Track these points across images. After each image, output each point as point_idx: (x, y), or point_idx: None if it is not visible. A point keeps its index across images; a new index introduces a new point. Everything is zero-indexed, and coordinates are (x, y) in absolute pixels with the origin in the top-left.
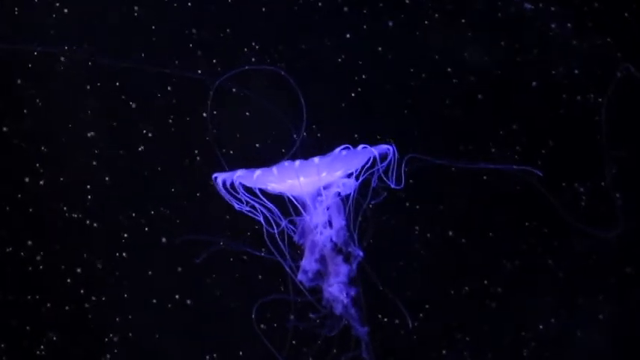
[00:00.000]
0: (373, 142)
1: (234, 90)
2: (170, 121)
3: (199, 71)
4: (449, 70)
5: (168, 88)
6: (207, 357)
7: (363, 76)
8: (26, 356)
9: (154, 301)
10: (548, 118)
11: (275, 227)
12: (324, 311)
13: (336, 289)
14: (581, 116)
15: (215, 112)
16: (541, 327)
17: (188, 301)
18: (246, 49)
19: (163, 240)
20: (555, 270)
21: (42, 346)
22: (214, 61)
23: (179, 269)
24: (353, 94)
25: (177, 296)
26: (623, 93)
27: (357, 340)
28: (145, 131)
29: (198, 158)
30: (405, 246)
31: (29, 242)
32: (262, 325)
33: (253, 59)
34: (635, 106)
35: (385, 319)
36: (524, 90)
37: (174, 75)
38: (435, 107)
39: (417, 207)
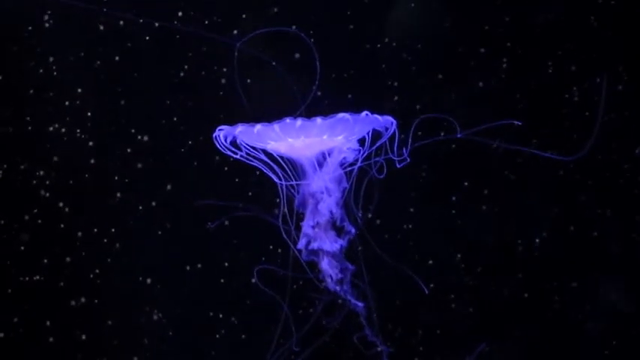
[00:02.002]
0: (383, 111)
1: (248, 53)
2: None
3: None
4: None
5: (182, 51)
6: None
7: (381, 44)
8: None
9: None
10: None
11: (280, 192)
12: (322, 287)
13: (327, 264)
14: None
15: (225, 73)
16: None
17: (194, 264)
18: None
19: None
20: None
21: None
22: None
23: (191, 232)
24: (370, 60)
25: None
26: None
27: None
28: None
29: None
30: (406, 218)
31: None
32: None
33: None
34: None
35: (388, 296)
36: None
37: (187, 36)
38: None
39: (421, 178)
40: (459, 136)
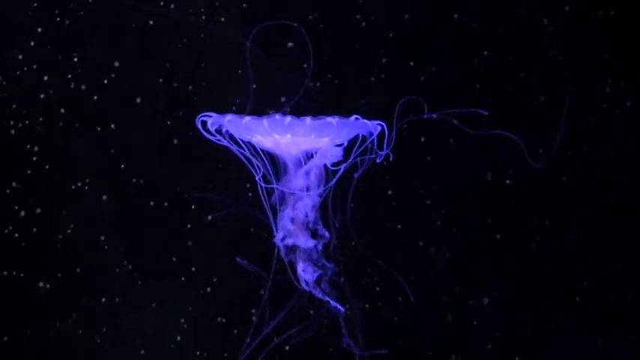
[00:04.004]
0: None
1: (246, 45)
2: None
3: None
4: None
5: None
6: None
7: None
8: None
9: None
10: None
11: (260, 185)
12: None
13: (302, 269)
14: None
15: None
16: None
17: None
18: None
19: (151, 203)
20: None
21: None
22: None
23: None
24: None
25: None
26: None
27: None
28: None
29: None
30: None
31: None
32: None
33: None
34: None
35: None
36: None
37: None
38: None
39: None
40: (425, 117)
